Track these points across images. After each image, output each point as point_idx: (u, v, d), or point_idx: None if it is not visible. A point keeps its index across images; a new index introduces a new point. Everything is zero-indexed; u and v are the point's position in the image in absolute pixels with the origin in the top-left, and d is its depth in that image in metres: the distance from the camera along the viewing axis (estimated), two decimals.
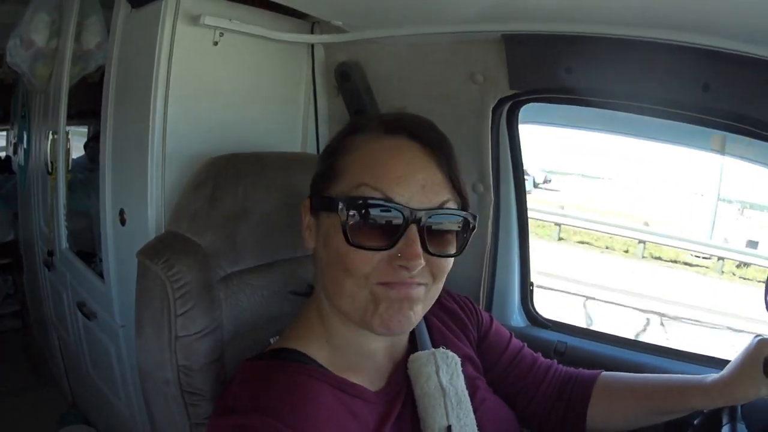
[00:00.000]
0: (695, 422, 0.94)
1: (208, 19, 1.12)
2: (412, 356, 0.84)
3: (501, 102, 1.24)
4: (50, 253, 1.93)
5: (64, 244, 1.87)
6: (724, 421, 0.88)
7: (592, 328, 1.40)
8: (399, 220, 0.70)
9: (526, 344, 1.03)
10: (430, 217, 0.71)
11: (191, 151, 1.14)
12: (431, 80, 1.30)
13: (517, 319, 1.45)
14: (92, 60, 1.75)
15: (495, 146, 1.30)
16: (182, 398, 0.90)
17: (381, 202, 0.69)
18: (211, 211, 0.97)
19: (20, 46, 1.79)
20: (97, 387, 1.78)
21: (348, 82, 1.38)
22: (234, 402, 0.72)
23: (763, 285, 0.95)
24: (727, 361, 0.90)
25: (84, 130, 2.83)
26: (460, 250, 0.76)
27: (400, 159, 0.72)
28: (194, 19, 1.12)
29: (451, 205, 0.74)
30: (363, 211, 0.69)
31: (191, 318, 0.90)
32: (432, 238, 0.71)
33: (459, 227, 0.75)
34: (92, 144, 2.19)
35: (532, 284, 1.47)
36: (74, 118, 1.93)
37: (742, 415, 0.88)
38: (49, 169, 1.85)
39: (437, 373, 0.82)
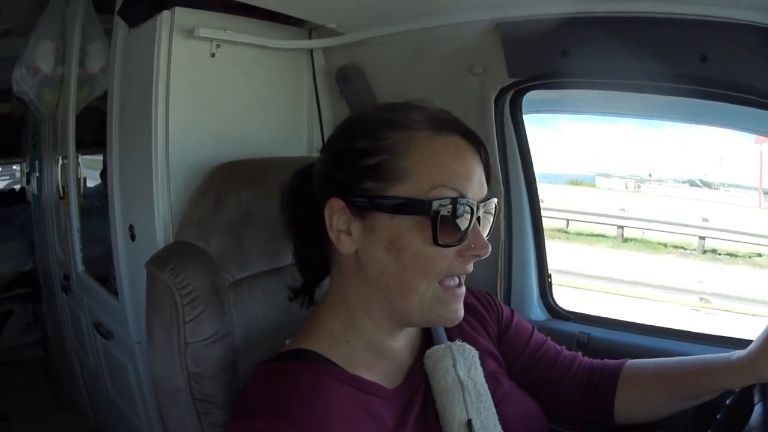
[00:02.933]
0: (727, 402, 0.90)
1: (202, 32, 1.13)
2: (428, 351, 0.83)
3: (502, 92, 1.24)
4: (66, 277, 1.96)
5: (80, 267, 1.89)
6: (756, 399, 0.85)
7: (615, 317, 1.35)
8: (469, 216, 0.72)
9: (549, 338, 1.01)
10: (484, 209, 0.75)
11: (195, 164, 1.15)
12: (431, 77, 1.29)
13: (537, 313, 1.42)
14: (98, 84, 1.78)
15: (501, 138, 1.29)
16: (194, 406, 0.89)
17: (464, 202, 0.71)
18: (217, 217, 0.97)
19: (26, 74, 1.83)
20: (118, 408, 1.79)
21: (349, 85, 1.39)
22: (247, 405, 0.71)
23: None
24: None
25: (100, 158, 2.85)
26: (489, 233, 0.79)
27: (462, 158, 0.74)
28: (189, 33, 1.13)
29: (489, 194, 0.77)
30: (450, 212, 0.71)
31: (200, 324, 0.90)
32: (481, 226, 0.76)
33: (492, 213, 0.79)
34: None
35: (550, 276, 1.44)
36: (89, 146, 1.97)
37: None
38: (61, 194, 1.88)
39: (454, 366, 0.81)
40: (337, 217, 0.75)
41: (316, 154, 1.41)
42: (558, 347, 1.00)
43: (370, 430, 0.72)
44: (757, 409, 0.84)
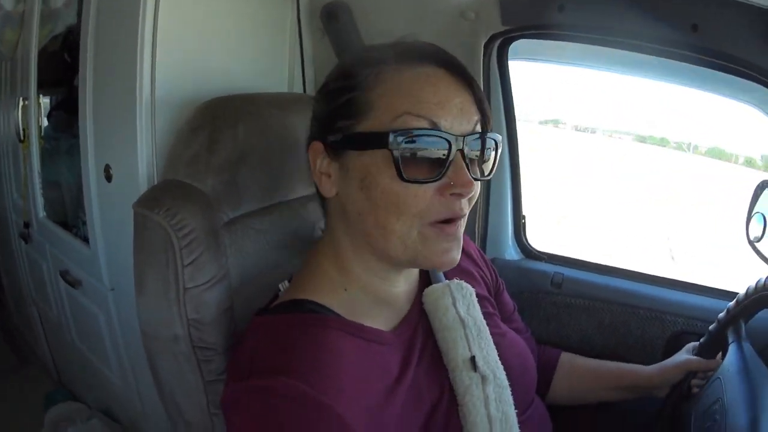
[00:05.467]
0: (701, 341, 1.00)
1: None
2: (427, 290, 0.83)
3: (492, 39, 1.24)
4: (26, 225, 1.86)
5: (41, 213, 1.80)
6: (730, 339, 0.92)
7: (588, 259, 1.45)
8: (445, 148, 0.67)
9: (519, 318, 1.07)
10: (470, 142, 0.69)
11: (182, 98, 1.09)
12: (421, 19, 1.27)
13: (512, 253, 1.47)
14: (60, 20, 1.67)
15: (486, 84, 1.30)
16: (194, 354, 0.85)
17: (432, 131, 0.66)
18: (211, 156, 0.92)
19: None
20: (85, 360, 1.73)
21: (334, 23, 1.34)
22: (251, 362, 0.67)
23: None
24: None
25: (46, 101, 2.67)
26: (490, 173, 0.75)
27: (436, 85, 0.69)
28: None
29: (482, 127, 0.72)
30: (414, 141, 0.66)
31: (199, 267, 0.85)
32: (471, 162, 0.70)
33: (492, 149, 0.74)
34: (55, 113, 2.09)
35: (524, 217, 1.49)
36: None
37: (746, 333, 0.92)
38: (21, 137, 1.77)
39: (454, 304, 0.81)
40: (319, 160, 0.74)
41: (297, 90, 1.39)
42: (526, 327, 1.06)
43: (376, 379, 0.71)
44: (732, 348, 0.91)
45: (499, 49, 1.30)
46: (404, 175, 0.66)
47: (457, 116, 0.69)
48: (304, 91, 1.43)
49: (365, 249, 0.75)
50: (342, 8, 1.33)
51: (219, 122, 0.95)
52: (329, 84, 0.76)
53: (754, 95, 1.19)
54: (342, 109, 0.71)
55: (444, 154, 0.67)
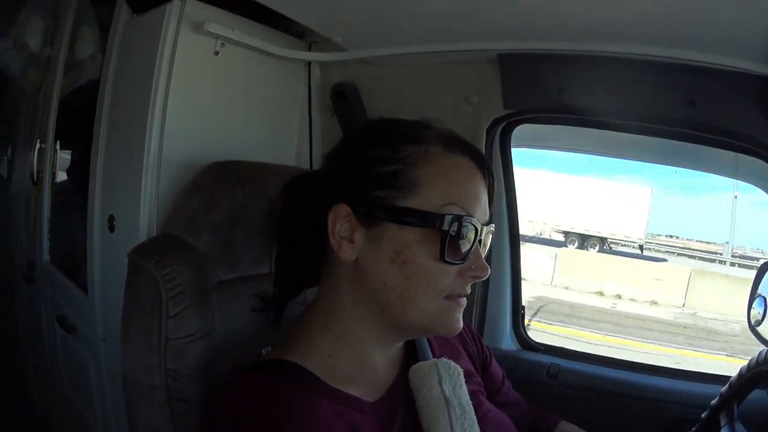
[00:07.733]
0: (693, 429, 0.98)
1: (212, 27, 1.12)
2: (414, 367, 0.82)
3: (494, 123, 1.27)
4: (30, 266, 1.88)
5: (46, 256, 1.83)
6: (723, 422, 0.91)
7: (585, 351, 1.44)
8: (473, 236, 0.73)
9: (510, 385, 1.05)
10: (485, 232, 0.76)
11: (187, 159, 1.13)
12: (425, 101, 1.32)
13: (509, 343, 1.45)
14: (84, 72, 1.72)
15: None
16: (168, 405, 0.86)
17: (473, 220, 0.72)
18: (209, 214, 0.95)
19: (13, 47, 1.76)
20: (72, 405, 1.72)
21: (343, 102, 1.39)
22: (231, 415, 0.68)
23: None
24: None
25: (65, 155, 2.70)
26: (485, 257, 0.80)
27: (473, 180, 0.75)
28: (198, 27, 1.13)
29: (490, 219, 0.79)
30: (457, 229, 0.71)
31: (183, 320, 0.86)
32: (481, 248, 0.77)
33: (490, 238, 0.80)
34: (75, 169, 2.12)
35: (523, 308, 1.48)
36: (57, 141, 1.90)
37: (739, 415, 0.90)
38: (35, 179, 1.82)
39: (440, 383, 0.80)
40: (340, 223, 0.74)
41: (303, 166, 1.42)
42: (519, 397, 1.05)
43: None
44: (725, 431, 0.89)
45: (501, 134, 1.32)
46: (446, 257, 0.71)
47: (482, 211, 0.76)
48: (311, 167, 1.47)
49: (374, 315, 0.76)
50: (350, 88, 1.39)
51: (220, 184, 0.99)
52: (362, 150, 0.77)
53: (752, 170, 1.19)
54: (383, 180, 0.73)
55: (471, 242, 0.73)
